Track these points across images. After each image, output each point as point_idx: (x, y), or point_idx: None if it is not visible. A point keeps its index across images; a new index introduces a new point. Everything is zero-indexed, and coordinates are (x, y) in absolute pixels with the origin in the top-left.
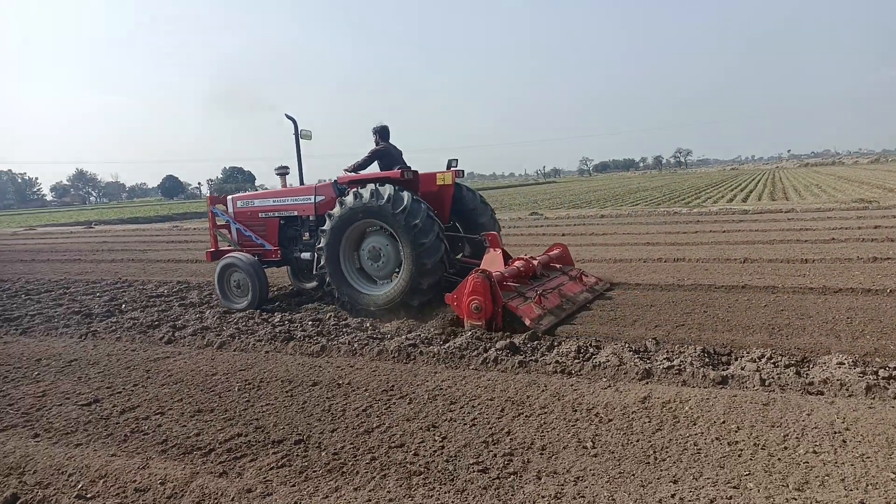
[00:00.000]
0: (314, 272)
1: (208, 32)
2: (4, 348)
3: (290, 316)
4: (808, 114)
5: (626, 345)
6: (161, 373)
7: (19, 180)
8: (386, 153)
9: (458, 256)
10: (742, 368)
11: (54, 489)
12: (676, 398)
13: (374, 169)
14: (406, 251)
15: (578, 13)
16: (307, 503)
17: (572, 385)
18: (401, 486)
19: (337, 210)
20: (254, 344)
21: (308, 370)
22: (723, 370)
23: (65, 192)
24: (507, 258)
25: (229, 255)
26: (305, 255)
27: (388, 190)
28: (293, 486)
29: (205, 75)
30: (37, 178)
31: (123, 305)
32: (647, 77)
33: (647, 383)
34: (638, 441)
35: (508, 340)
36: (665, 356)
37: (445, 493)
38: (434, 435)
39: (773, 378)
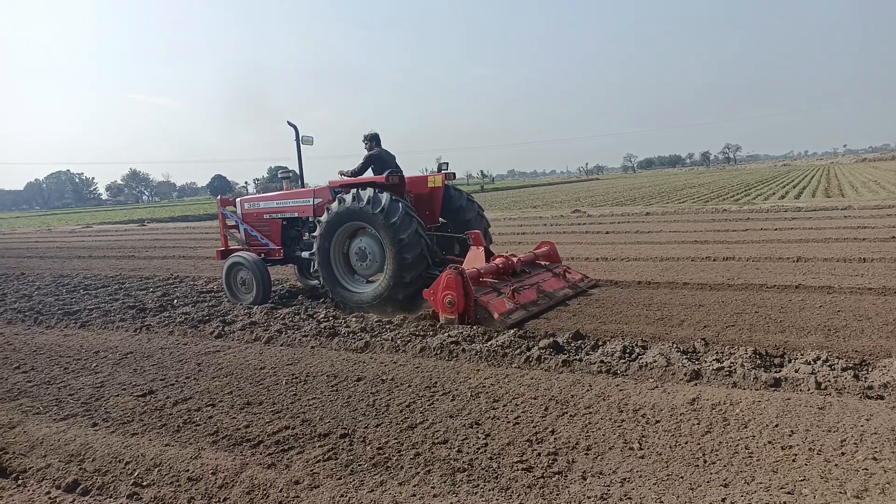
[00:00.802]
0: (311, 272)
1: (258, 38)
2: (65, 340)
3: (334, 312)
4: (865, 106)
5: (674, 345)
6: (212, 366)
7: (77, 180)
8: (378, 158)
9: (456, 254)
10: (796, 371)
11: (112, 476)
12: (727, 400)
13: (370, 173)
14: (388, 248)
15: (622, 6)
16: (353, 496)
17: (618, 385)
18: (445, 482)
19: (325, 216)
20: (300, 339)
21: (352, 366)
22: (776, 372)
23: (119, 191)
24: (489, 255)
25: (235, 254)
26: (305, 254)
27: (368, 193)
28: (339, 479)
29: (250, 79)
30: (93, 178)
31: (175, 301)
32: (693, 69)
33: (696, 385)
34: (686, 443)
35: (552, 339)
36: (715, 357)
37: (489, 490)
38: (477, 432)
39: (829, 381)
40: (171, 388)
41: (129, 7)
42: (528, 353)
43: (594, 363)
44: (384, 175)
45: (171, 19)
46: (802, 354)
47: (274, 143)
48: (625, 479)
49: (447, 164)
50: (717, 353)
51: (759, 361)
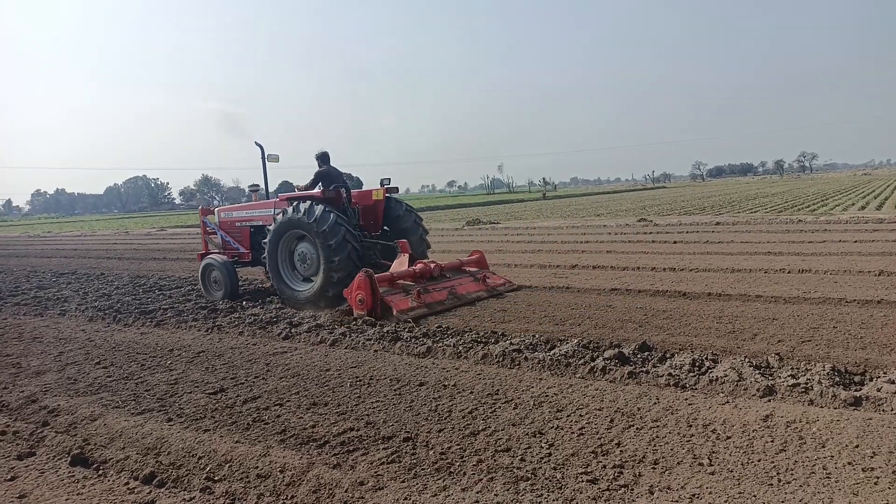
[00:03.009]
0: (265, 274)
1: (323, 45)
2: (142, 338)
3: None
4: None
5: (746, 359)
6: (279, 366)
7: (152, 185)
8: (327, 175)
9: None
10: (878, 390)
11: (186, 470)
12: (802, 418)
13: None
14: (321, 251)
15: (690, 9)
16: (416, 500)
17: (686, 399)
18: (508, 490)
19: (273, 225)
20: (363, 343)
21: (415, 370)
22: (856, 390)
23: (192, 195)
24: (412, 262)
25: (208, 256)
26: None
27: (305, 204)
28: (403, 482)
29: (313, 86)
30: (168, 184)
31: (244, 302)
32: (766, 73)
33: (770, 401)
34: (759, 461)
35: (618, 350)
36: (789, 373)
37: (553, 500)
38: (541, 441)
39: None
40: (240, 386)
41: (205, 19)
42: (592, 364)
43: (662, 376)
44: (322, 189)
45: (234, 26)
46: (885, 373)
47: (339, 147)
48: (694, 495)
49: (389, 179)
50: (792, 368)
51: (837, 379)
